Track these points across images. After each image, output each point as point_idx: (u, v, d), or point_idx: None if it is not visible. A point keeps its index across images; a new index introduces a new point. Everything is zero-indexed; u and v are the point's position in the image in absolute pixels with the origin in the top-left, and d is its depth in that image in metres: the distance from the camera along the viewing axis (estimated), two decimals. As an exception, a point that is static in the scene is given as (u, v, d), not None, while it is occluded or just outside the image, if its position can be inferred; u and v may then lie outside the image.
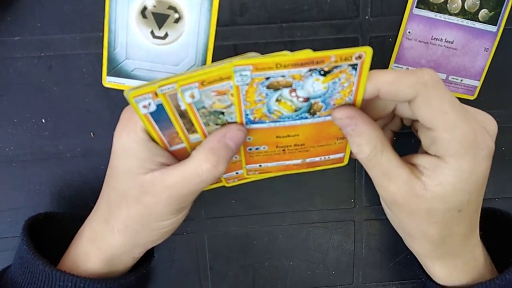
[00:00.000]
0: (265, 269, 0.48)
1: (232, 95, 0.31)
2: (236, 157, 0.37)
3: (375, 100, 0.34)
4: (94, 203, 0.38)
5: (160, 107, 0.32)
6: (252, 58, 0.30)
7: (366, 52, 0.30)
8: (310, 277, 0.48)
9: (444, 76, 0.42)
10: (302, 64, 0.30)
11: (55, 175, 0.44)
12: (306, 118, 0.34)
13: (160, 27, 0.39)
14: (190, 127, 0.34)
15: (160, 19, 0.39)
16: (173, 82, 0.31)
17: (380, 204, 0.42)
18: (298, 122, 0.34)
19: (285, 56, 0.29)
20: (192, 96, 0.31)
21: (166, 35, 0.40)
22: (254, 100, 0.32)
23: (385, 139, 0.33)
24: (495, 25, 0.41)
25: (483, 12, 0.40)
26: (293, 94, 0.32)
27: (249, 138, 0.35)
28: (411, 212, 0.33)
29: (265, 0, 0.40)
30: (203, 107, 0.32)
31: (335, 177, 0.45)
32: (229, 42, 0.41)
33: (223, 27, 0.40)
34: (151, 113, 0.32)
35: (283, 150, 0.37)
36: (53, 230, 0.40)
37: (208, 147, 0.33)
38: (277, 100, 0.32)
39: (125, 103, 0.40)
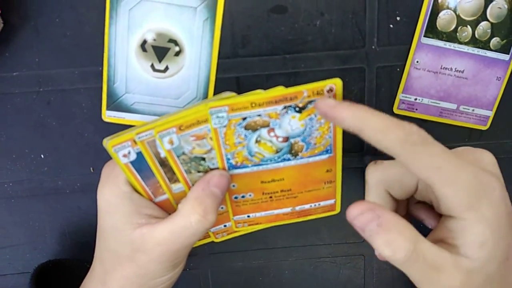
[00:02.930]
0: (272, 305, 0.47)
1: (211, 138, 0.31)
2: (222, 208, 0.36)
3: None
4: (94, 241, 0.37)
5: (140, 155, 0.31)
6: (227, 99, 0.29)
7: (336, 84, 0.30)
8: (318, 314, 0.47)
9: (454, 106, 0.41)
10: (276, 102, 0.30)
11: (54, 211, 0.43)
12: (289, 159, 0.33)
13: (160, 61, 0.39)
14: (172, 176, 0.33)
15: (160, 52, 0.39)
16: (150, 128, 0.30)
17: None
18: (281, 164, 0.33)
19: (258, 94, 0.29)
20: (171, 142, 0.31)
21: (166, 68, 0.39)
22: (233, 142, 0.31)
23: (413, 227, 0.28)
24: (508, 54, 0.40)
25: (495, 41, 0.39)
26: (272, 134, 0.32)
27: (234, 186, 0.35)
28: None
29: (267, 31, 0.39)
30: (183, 153, 0.31)
31: (344, 210, 0.44)
32: (231, 74, 0.40)
33: (225, 59, 0.39)
34: (132, 162, 0.32)
35: (270, 197, 0.36)
36: (62, 277, 0.40)
37: (194, 197, 0.32)
38: (256, 141, 0.32)
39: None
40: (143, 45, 0.38)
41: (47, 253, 0.44)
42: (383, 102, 0.41)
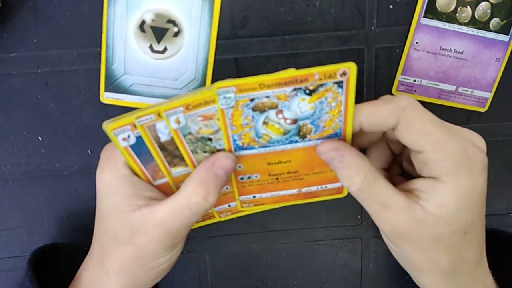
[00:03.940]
0: (269, 288, 0.47)
1: (218, 119, 0.30)
2: (227, 188, 0.36)
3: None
4: (91, 224, 0.36)
5: (140, 139, 0.31)
6: (235, 80, 0.29)
7: (350, 68, 0.29)
8: (316, 296, 0.47)
9: (453, 87, 0.41)
10: (286, 83, 0.29)
11: (52, 194, 0.43)
12: (297, 142, 0.33)
13: (159, 41, 0.38)
14: (171, 160, 0.33)
15: (159, 33, 0.38)
16: (150, 112, 0.30)
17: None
18: (289, 146, 0.33)
19: (268, 75, 0.29)
20: (178, 121, 0.30)
21: (165, 49, 0.39)
22: (240, 124, 0.31)
23: (374, 169, 0.32)
24: (507, 35, 0.40)
25: (494, 21, 0.39)
26: (280, 116, 0.31)
27: (240, 166, 0.34)
28: (416, 242, 0.32)
29: (266, 12, 0.39)
30: (190, 133, 0.31)
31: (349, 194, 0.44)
32: (230, 55, 0.40)
33: (224, 40, 0.39)
34: (131, 146, 0.31)
35: (276, 178, 0.35)
36: (59, 262, 0.40)
37: (197, 178, 0.32)
38: (264, 123, 0.31)
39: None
40: (142, 25, 0.38)
41: (44, 236, 0.44)
42: (382, 83, 0.41)
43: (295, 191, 0.37)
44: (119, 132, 0.31)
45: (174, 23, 0.38)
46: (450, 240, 0.31)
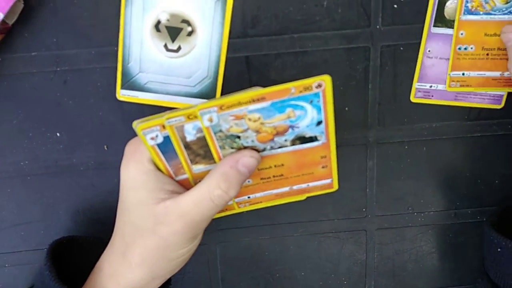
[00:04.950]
0: (277, 280, 0.48)
1: (249, 119, 0.32)
2: (248, 181, 0.37)
3: None
4: (107, 218, 0.38)
5: (166, 139, 0.33)
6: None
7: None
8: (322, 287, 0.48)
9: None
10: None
11: (69, 189, 0.44)
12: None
13: (173, 41, 0.40)
14: (194, 158, 0.34)
15: (174, 32, 0.40)
16: (180, 115, 0.32)
17: (392, 213, 0.42)
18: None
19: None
20: (210, 120, 0.32)
21: (179, 48, 0.40)
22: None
23: None
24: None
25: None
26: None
27: None
28: None
29: (276, 11, 0.41)
30: (220, 131, 0.33)
31: (347, 187, 0.46)
32: (241, 54, 0.41)
33: (235, 39, 0.41)
34: (158, 145, 0.33)
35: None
36: (76, 254, 0.40)
37: (221, 173, 0.33)
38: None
39: (139, 115, 0.41)
40: (157, 25, 0.40)
41: (60, 229, 0.45)
42: (386, 80, 0.43)
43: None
44: (148, 132, 0.32)
45: (188, 23, 0.40)
46: None
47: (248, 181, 0.37)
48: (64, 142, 0.43)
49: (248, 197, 0.38)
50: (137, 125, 0.32)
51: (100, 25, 0.40)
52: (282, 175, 0.36)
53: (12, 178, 0.43)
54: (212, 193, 0.33)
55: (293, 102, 0.32)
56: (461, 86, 0.40)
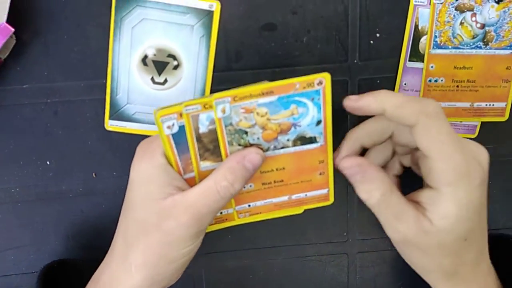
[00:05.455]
0: (262, 302, 0.49)
1: (257, 113, 0.34)
2: (251, 186, 0.39)
3: (373, 125, 0.37)
4: (96, 242, 0.39)
5: (181, 129, 0.34)
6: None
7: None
8: (305, 309, 0.49)
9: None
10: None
11: (58, 214, 0.45)
12: (480, 48, 0.36)
13: (160, 74, 0.42)
14: (203, 153, 0.36)
15: (160, 66, 0.42)
16: (198, 102, 0.33)
17: (373, 237, 0.44)
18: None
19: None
20: (223, 111, 0.34)
21: (165, 81, 0.42)
22: (444, 21, 0.35)
23: (391, 183, 0.35)
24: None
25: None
26: (474, 18, 0.35)
27: None
28: (423, 249, 0.35)
29: (258, 47, 0.42)
30: (230, 124, 0.34)
31: (328, 212, 0.47)
32: (225, 86, 0.42)
33: (220, 73, 0.42)
34: (173, 135, 0.34)
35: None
36: (68, 277, 0.41)
37: (227, 167, 0.35)
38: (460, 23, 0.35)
39: (127, 144, 0.43)
40: (144, 59, 0.41)
41: (50, 254, 0.45)
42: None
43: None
44: (166, 119, 0.34)
45: (174, 57, 0.41)
46: (452, 246, 0.35)
47: (250, 186, 0.38)
48: (54, 170, 0.44)
49: (249, 205, 0.40)
50: (157, 112, 0.33)
51: (89, 59, 0.41)
52: (282, 180, 0.38)
53: (3, 204, 0.44)
54: (218, 184, 0.34)
55: (297, 98, 0.34)
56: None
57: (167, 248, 0.34)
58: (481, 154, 0.35)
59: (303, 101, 0.34)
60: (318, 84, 0.34)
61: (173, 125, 0.34)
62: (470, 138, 0.44)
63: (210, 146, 0.36)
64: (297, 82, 0.34)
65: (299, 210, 0.41)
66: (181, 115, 0.34)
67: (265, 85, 0.33)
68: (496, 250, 0.39)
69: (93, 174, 0.44)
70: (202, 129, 0.35)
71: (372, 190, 0.35)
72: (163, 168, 0.35)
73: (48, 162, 0.44)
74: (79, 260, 0.43)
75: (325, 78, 0.34)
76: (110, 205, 0.45)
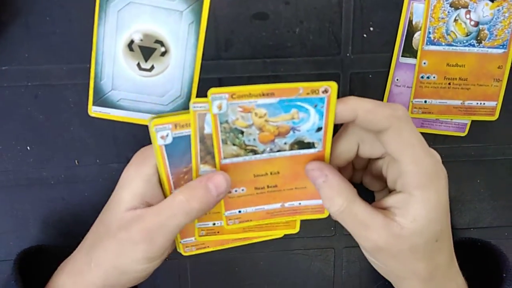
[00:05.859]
0: (247, 295, 0.48)
1: (255, 114, 0.33)
2: (243, 190, 0.38)
3: (341, 147, 0.36)
4: (76, 230, 0.38)
5: (176, 140, 0.33)
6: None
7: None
8: (290, 303, 0.49)
9: (433, 116, 0.43)
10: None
11: (39, 201, 0.44)
12: (474, 46, 0.35)
13: (146, 60, 0.40)
14: (204, 156, 0.34)
15: (147, 52, 0.40)
16: (206, 101, 0.32)
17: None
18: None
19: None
20: (220, 107, 0.32)
21: (152, 67, 0.41)
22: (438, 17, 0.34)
23: (355, 191, 0.35)
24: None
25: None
26: (468, 16, 0.35)
27: None
28: (395, 255, 0.34)
29: (249, 36, 0.41)
30: (226, 122, 0.33)
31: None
32: (214, 75, 0.42)
33: (208, 61, 0.41)
34: (166, 146, 0.33)
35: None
36: (45, 263, 0.40)
37: (188, 185, 0.34)
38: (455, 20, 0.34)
39: (110, 131, 0.42)
40: (130, 44, 0.40)
41: (30, 240, 0.45)
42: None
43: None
44: (160, 129, 0.33)
45: (161, 43, 0.40)
46: (424, 248, 0.34)
47: (242, 190, 0.37)
48: (34, 155, 0.43)
49: (239, 211, 0.38)
50: (152, 120, 0.32)
51: (72, 42, 0.40)
52: (276, 186, 0.37)
53: (-18, 189, 0.43)
54: (173, 200, 0.34)
55: (299, 103, 0.33)
56: (423, 113, 0.42)
57: (119, 259, 0.35)
58: (438, 155, 0.36)
59: (305, 107, 0.33)
60: (323, 92, 0.32)
61: (167, 135, 0.33)
62: (460, 137, 0.44)
63: (211, 149, 0.34)
64: (301, 87, 0.32)
65: (294, 230, 0.41)
66: (176, 126, 0.33)
67: (266, 86, 0.32)
68: (461, 251, 0.39)
69: (76, 161, 0.43)
70: (208, 129, 0.33)
71: (334, 197, 0.34)
72: (146, 179, 0.35)
73: (28, 148, 0.42)
74: (57, 246, 0.43)
75: (331, 87, 0.32)
76: (92, 193, 0.44)
